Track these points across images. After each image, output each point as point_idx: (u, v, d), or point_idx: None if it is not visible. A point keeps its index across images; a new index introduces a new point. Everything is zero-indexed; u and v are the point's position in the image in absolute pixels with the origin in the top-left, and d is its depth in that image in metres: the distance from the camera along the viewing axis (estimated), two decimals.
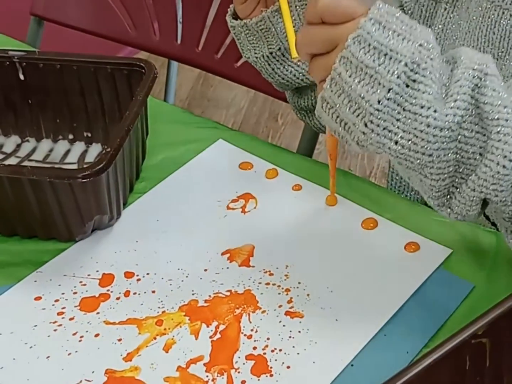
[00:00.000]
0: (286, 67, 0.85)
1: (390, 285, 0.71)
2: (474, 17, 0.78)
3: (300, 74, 0.86)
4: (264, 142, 0.89)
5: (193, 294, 0.71)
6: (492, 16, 0.77)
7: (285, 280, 0.72)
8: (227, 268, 0.74)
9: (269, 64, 0.85)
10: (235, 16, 0.85)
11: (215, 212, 0.80)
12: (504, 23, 0.76)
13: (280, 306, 0.70)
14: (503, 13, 0.76)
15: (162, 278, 0.73)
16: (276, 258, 0.74)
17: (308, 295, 0.71)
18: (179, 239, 0.77)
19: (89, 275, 0.74)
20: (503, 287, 0.71)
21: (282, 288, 0.71)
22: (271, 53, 0.83)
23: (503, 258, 0.73)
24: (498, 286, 0.71)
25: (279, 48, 0.83)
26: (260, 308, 0.70)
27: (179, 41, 1.24)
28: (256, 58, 0.85)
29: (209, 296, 0.71)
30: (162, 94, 1.50)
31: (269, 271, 0.73)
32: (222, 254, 0.75)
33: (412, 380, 0.50)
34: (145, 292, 0.72)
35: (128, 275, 0.74)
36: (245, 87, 2.22)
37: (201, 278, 0.73)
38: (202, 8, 1.20)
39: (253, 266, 0.74)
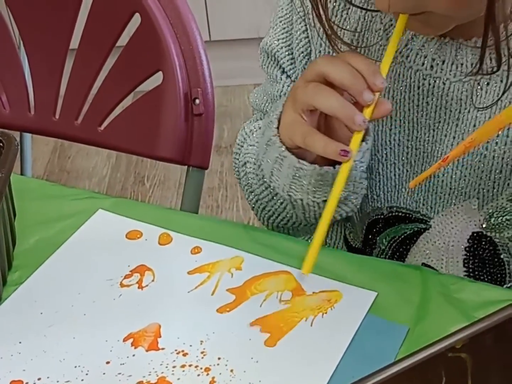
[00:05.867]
0: (337, 210, 0.71)
1: (320, 344, 0.63)
2: (405, 86, 0.73)
3: (348, 212, 0.73)
4: (149, 205, 0.81)
5: None
6: (423, 86, 0.72)
7: (202, 358, 0.63)
8: (133, 355, 0.64)
9: (319, 208, 0.71)
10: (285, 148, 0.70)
11: (107, 293, 0.70)
12: (437, 92, 0.71)
13: None
14: (435, 81, 0.71)
15: (58, 381, 0.62)
16: (187, 335, 0.65)
17: (232, 370, 0.62)
18: (70, 332, 0.66)
19: None
20: (436, 324, 0.65)
21: (201, 368, 0.62)
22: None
23: (432, 293, 0.67)
24: (431, 324, 0.66)
25: (347, 194, 0.71)
26: None
27: (32, 112, 1.13)
28: (313, 202, 0.70)
29: None
30: (17, 171, 1.37)
31: (183, 351, 0.64)
32: (124, 340, 0.65)
33: None
34: None
35: None
36: (105, 154, 2.13)
37: (104, 373, 0.62)
38: (53, 74, 1.11)
39: (163, 348, 0.64)
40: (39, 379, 0.63)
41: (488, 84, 0.69)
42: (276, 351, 0.63)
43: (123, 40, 1.03)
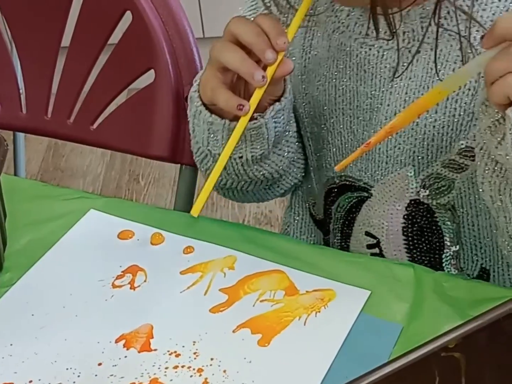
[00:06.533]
0: (259, 169, 0.75)
1: (314, 343, 0.63)
2: (346, 55, 0.74)
3: (272, 173, 0.76)
4: (141, 205, 0.81)
5: None
6: (360, 54, 0.73)
7: (195, 359, 0.63)
8: (125, 357, 0.63)
9: (242, 165, 0.74)
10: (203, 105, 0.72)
11: (99, 294, 0.69)
12: (372, 60, 0.73)
13: None
14: (370, 49, 0.73)
15: None
16: (180, 335, 0.64)
17: (224, 371, 0.61)
18: (62, 333, 0.66)
19: None
20: (430, 322, 0.65)
21: (194, 369, 0.62)
22: (252, 156, 0.73)
23: (426, 291, 0.67)
24: (425, 322, 0.65)
25: (263, 152, 0.73)
26: None
27: (24, 111, 1.13)
28: (230, 157, 0.71)
29: None
30: (11, 171, 1.37)
31: (175, 352, 0.63)
32: (116, 341, 0.65)
33: None
34: None
35: None
36: (99, 152, 2.12)
37: (96, 375, 0.62)
38: (45, 72, 1.10)
39: (155, 349, 0.64)
40: (30, 381, 0.62)
41: (419, 52, 0.70)
42: (269, 351, 0.63)
43: (115, 38, 1.03)
